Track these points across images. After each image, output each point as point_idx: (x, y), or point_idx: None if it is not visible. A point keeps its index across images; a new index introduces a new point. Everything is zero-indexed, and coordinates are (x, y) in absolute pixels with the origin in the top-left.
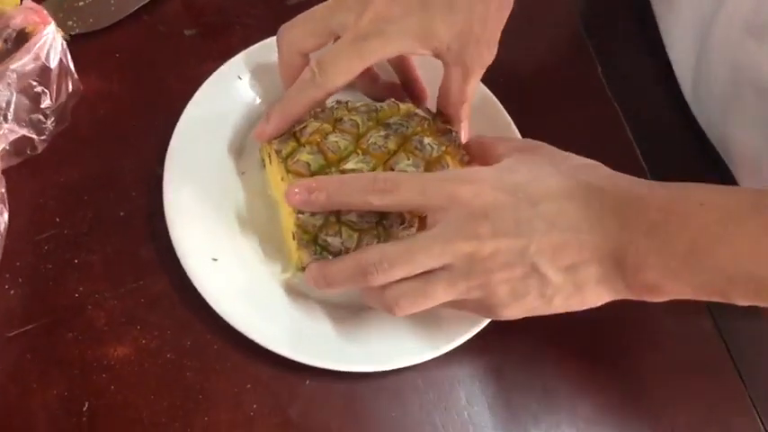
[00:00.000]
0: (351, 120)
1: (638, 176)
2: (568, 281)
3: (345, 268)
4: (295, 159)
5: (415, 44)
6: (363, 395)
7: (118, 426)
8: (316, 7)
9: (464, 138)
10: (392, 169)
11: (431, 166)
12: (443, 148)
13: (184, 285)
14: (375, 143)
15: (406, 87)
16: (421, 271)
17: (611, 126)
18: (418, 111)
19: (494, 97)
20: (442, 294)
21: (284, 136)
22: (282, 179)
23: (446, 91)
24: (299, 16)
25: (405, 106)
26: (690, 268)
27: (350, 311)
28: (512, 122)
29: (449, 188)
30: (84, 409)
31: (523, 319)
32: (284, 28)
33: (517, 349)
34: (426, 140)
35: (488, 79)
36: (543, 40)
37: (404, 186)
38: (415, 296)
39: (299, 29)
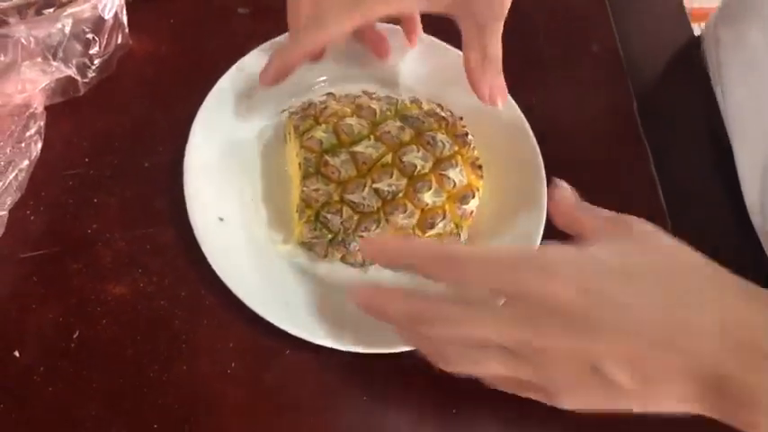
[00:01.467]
0: (370, 107)
1: None
2: (643, 392)
3: (397, 307)
4: (309, 136)
5: (418, 3)
6: (339, 374)
7: (101, 358)
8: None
9: (495, 98)
10: (401, 160)
11: (441, 162)
12: (456, 147)
13: (189, 240)
14: (389, 132)
15: (371, 46)
16: (474, 342)
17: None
18: (439, 111)
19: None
20: (494, 368)
21: (305, 114)
22: (297, 155)
23: (466, 50)
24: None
25: (427, 105)
26: None
27: (341, 291)
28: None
29: (522, 281)
30: (75, 336)
31: None
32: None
33: None
34: (440, 137)
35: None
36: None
37: (470, 269)
38: (465, 360)
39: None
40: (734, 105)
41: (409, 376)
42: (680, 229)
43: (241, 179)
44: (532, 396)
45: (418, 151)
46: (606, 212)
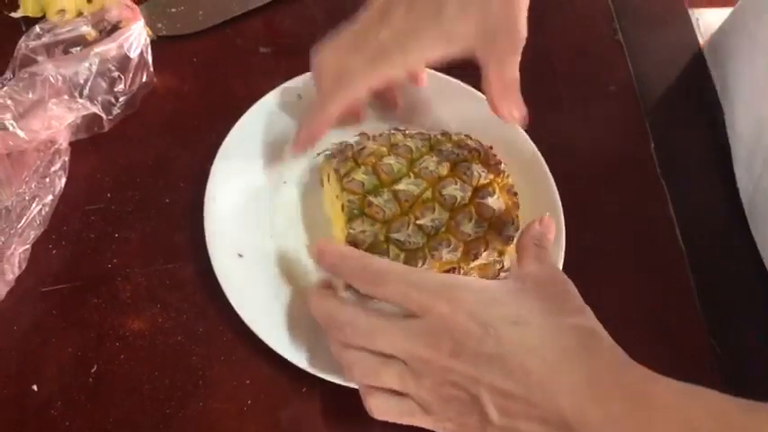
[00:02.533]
0: (405, 145)
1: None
2: (506, 427)
3: (319, 305)
4: (350, 178)
5: (437, 53)
6: (356, 413)
7: (119, 392)
8: (340, 36)
9: (518, 118)
10: (440, 193)
11: (478, 191)
12: (491, 176)
13: (208, 276)
14: (427, 167)
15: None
16: (378, 351)
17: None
18: (469, 142)
19: (542, 159)
20: (389, 381)
21: (344, 157)
22: (337, 197)
23: (486, 81)
24: (327, 46)
25: (456, 137)
26: None
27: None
28: (555, 189)
29: (428, 302)
30: (93, 370)
31: None
32: (318, 53)
33: None
34: (474, 167)
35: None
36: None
37: (388, 286)
38: (366, 371)
39: (332, 53)
40: (734, 136)
41: None
42: (698, 271)
43: (260, 216)
44: (413, 421)
45: (456, 183)
46: (547, 267)
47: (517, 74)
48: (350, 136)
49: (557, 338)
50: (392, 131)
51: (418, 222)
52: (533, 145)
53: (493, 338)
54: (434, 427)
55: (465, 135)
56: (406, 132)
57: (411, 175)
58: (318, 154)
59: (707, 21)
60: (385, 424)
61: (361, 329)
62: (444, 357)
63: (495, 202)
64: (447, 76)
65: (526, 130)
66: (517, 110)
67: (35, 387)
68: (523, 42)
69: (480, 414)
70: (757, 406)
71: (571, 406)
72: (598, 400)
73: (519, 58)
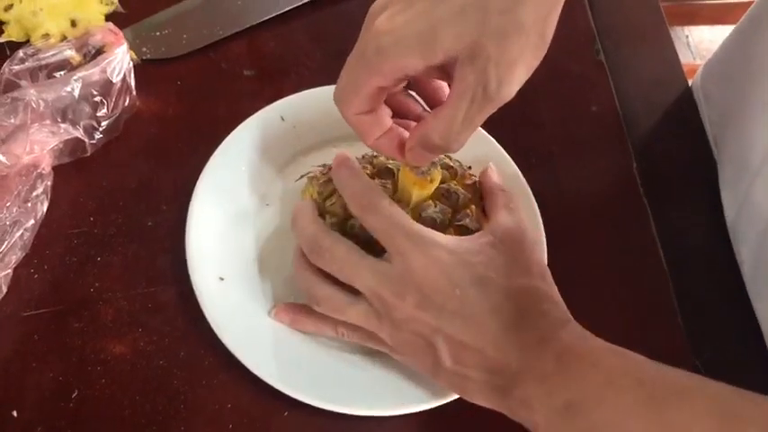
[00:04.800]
0: (387, 167)
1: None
2: (456, 372)
3: (306, 229)
4: (332, 201)
5: (414, 56)
6: None
7: (100, 418)
8: (348, 64)
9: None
10: (420, 216)
11: (456, 213)
12: (469, 196)
13: (190, 299)
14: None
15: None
16: (348, 284)
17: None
18: (448, 161)
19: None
20: (354, 317)
21: (327, 179)
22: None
23: (434, 114)
24: (339, 79)
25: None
26: (564, 423)
27: (343, 354)
28: (536, 208)
29: (406, 247)
30: (74, 395)
31: None
32: (335, 96)
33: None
34: (453, 188)
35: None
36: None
37: (376, 217)
38: (334, 306)
39: (344, 91)
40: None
41: None
42: (681, 288)
43: (242, 239)
44: (374, 346)
45: (435, 206)
46: (514, 219)
47: (461, 138)
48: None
49: (515, 299)
50: (374, 153)
51: None
52: (514, 165)
53: (458, 298)
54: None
55: (445, 155)
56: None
57: (394, 199)
58: (302, 176)
59: (697, 38)
60: None
61: (338, 258)
62: (409, 307)
63: (473, 223)
64: None
65: (507, 150)
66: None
67: (15, 413)
68: (503, 100)
69: (434, 357)
70: (675, 371)
71: (518, 361)
72: (541, 358)
73: (483, 116)
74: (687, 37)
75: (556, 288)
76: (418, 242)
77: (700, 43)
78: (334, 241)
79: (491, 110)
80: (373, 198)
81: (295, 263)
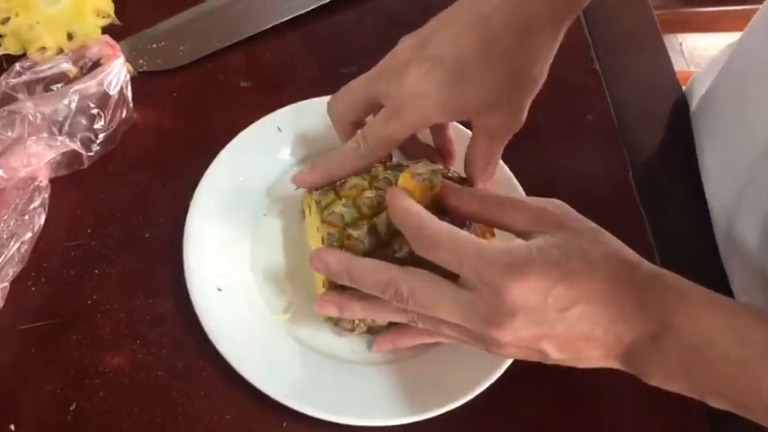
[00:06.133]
0: (385, 177)
1: None
2: (566, 359)
3: (375, 275)
4: (330, 211)
5: (446, 115)
6: None
7: (98, 430)
8: (356, 80)
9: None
10: None
11: (453, 224)
12: None
13: (188, 311)
14: None
15: (439, 145)
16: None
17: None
18: (446, 170)
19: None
20: (447, 340)
21: (326, 189)
22: (318, 229)
23: (472, 153)
24: (342, 89)
25: (433, 165)
26: (682, 379)
27: (341, 364)
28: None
29: (485, 275)
30: (72, 408)
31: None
32: (331, 101)
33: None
34: None
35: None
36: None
37: (441, 253)
38: (427, 326)
39: (343, 101)
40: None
41: None
42: None
43: (240, 250)
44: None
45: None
46: (532, 205)
47: (500, 155)
48: None
49: (600, 274)
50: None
51: (396, 255)
52: (509, 171)
53: (553, 306)
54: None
55: (444, 166)
56: (387, 164)
57: None
58: (299, 187)
59: (690, 46)
60: None
61: (422, 301)
62: (509, 332)
63: (473, 230)
64: None
65: (504, 159)
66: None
67: (12, 427)
68: (517, 128)
69: (541, 356)
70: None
71: (627, 332)
72: (647, 322)
73: (507, 140)
74: (681, 45)
75: (615, 237)
76: (498, 268)
77: (693, 50)
78: (411, 284)
79: (512, 134)
80: (430, 233)
81: (364, 311)
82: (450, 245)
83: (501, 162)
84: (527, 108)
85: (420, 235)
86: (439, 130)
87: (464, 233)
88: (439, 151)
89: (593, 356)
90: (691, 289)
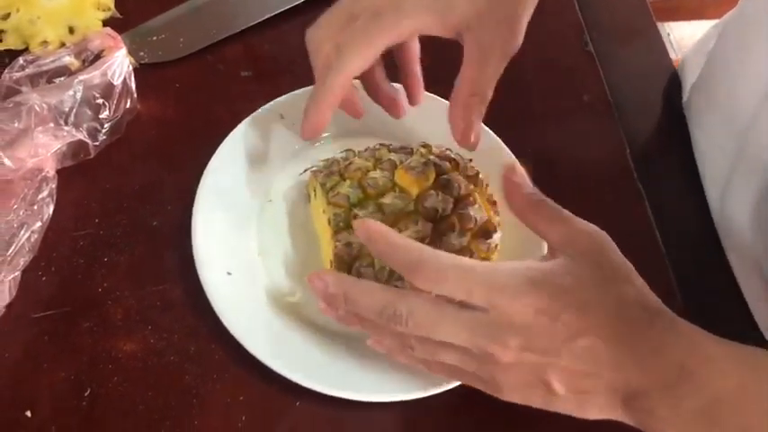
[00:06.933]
0: (389, 159)
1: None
2: (574, 399)
3: (371, 299)
4: (336, 192)
5: (431, 20)
6: (350, 424)
7: (113, 414)
8: (336, 4)
9: (469, 140)
10: (423, 206)
11: (459, 202)
12: (471, 186)
13: (198, 295)
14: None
15: (405, 81)
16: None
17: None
18: (449, 151)
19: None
20: (449, 362)
21: (330, 171)
22: (324, 211)
23: (461, 78)
24: (322, 16)
25: (437, 149)
26: (697, 429)
27: (349, 341)
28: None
29: (494, 298)
30: (86, 394)
31: None
32: (310, 31)
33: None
34: (455, 178)
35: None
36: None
37: (449, 283)
38: (426, 354)
39: (324, 28)
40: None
41: (418, 425)
42: (678, 270)
43: (247, 235)
44: (473, 385)
45: (437, 196)
46: (575, 228)
47: (492, 85)
48: (337, 153)
49: (617, 313)
50: (377, 146)
51: (402, 234)
52: (512, 154)
53: (562, 329)
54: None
55: (446, 147)
56: (391, 147)
57: (396, 189)
58: (305, 170)
59: (678, 35)
60: None
61: (423, 322)
62: (513, 353)
63: (477, 211)
64: (430, 94)
65: (503, 140)
66: (474, 135)
67: (28, 413)
68: (515, 50)
69: (546, 390)
70: None
71: (638, 376)
72: (660, 368)
73: (502, 69)
74: (669, 35)
75: (645, 283)
76: (505, 289)
77: (681, 40)
78: (410, 306)
79: (509, 58)
80: (432, 267)
81: (363, 328)
82: (456, 276)
83: (503, 145)
84: (524, 26)
85: (420, 271)
86: (406, 60)
87: (466, 260)
88: (406, 88)
89: (598, 402)
90: (713, 342)
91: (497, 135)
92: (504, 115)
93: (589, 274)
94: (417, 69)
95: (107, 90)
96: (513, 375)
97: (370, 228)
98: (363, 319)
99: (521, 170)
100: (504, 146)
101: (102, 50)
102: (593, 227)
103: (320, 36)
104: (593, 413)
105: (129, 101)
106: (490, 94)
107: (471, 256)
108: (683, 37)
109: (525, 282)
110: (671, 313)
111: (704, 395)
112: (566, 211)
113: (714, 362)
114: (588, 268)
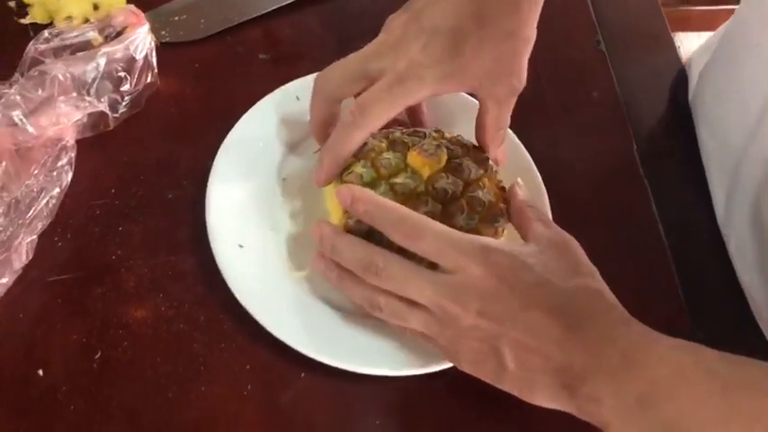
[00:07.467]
0: (403, 141)
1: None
2: (522, 377)
3: (353, 250)
4: (350, 171)
5: (449, 86)
6: (353, 397)
7: (122, 378)
8: (351, 56)
9: (501, 161)
10: (433, 187)
11: (469, 186)
12: (481, 171)
13: (209, 267)
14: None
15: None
16: (408, 298)
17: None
18: (460, 138)
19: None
20: (414, 325)
21: None
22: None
23: (482, 121)
24: (334, 64)
25: (449, 134)
26: (637, 416)
27: (356, 316)
28: (542, 185)
29: (462, 261)
30: (97, 356)
31: None
32: (321, 75)
33: None
34: (466, 163)
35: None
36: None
37: (425, 241)
38: (393, 313)
39: (337, 76)
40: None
41: (421, 401)
42: (681, 265)
43: (260, 211)
44: (435, 349)
45: (448, 178)
46: (554, 229)
47: (509, 118)
48: None
49: (574, 299)
50: (391, 129)
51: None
52: (521, 145)
53: (519, 300)
54: (447, 358)
55: (457, 134)
56: (404, 130)
57: (408, 170)
58: (319, 149)
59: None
60: (384, 407)
61: (395, 275)
62: (471, 315)
63: (486, 195)
64: None
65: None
66: (501, 154)
67: (41, 372)
68: (522, 88)
69: (498, 362)
70: (742, 360)
71: (584, 360)
72: (606, 355)
73: (514, 101)
74: (679, 48)
75: (607, 286)
76: (474, 254)
77: (690, 52)
78: (387, 260)
79: (518, 93)
80: (410, 220)
81: (340, 282)
82: (433, 235)
83: (512, 135)
84: (526, 66)
85: (400, 225)
86: (413, 111)
87: (446, 226)
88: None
89: (544, 382)
90: (663, 338)
91: (510, 129)
92: (517, 110)
93: (555, 262)
94: (424, 119)
95: (129, 64)
96: (470, 342)
97: (355, 191)
98: (342, 274)
99: (527, 191)
100: (517, 139)
101: (125, 27)
102: (568, 234)
103: (333, 87)
104: (541, 397)
105: (149, 76)
106: (509, 122)
107: None
108: (693, 49)
109: (494, 252)
110: (627, 313)
111: (643, 380)
112: (545, 217)
113: (656, 350)
114: (554, 258)
